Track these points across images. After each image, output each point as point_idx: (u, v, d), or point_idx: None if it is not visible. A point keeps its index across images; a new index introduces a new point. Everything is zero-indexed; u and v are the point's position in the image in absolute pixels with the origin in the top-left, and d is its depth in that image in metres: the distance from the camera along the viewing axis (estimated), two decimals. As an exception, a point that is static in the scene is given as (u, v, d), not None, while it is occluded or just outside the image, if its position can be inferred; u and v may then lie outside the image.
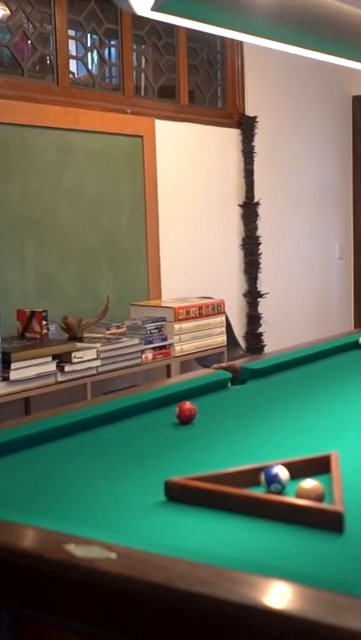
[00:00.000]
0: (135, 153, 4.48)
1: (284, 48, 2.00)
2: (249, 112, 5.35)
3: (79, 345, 3.68)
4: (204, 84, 5.18)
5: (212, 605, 1.03)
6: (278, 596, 1.03)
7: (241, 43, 5.20)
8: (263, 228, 5.46)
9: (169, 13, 1.58)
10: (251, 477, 1.55)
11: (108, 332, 3.96)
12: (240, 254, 5.38)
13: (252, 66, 5.36)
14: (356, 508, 1.43)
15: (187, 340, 4.26)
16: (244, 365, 2.64)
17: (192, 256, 4.96)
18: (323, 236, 6.28)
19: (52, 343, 3.62)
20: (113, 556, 1.15)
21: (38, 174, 3.96)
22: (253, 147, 5.34)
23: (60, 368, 3.54)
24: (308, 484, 1.45)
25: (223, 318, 4.53)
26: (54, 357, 3.52)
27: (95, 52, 4.49)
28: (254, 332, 5.43)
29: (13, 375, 3.34)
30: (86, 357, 3.65)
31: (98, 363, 3.71)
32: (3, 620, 1.21)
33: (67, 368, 3.56)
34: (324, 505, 1.41)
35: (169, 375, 4.25)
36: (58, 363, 3.53)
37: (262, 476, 1.52)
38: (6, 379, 3.33)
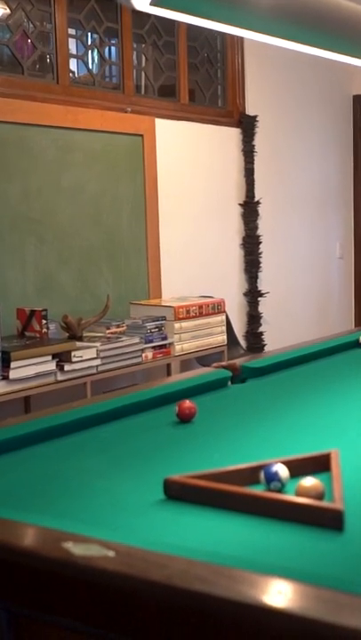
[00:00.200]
0: (135, 152, 4.47)
1: (283, 44, 1.99)
2: (249, 111, 5.34)
3: (79, 344, 3.68)
4: (205, 83, 5.18)
5: (212, 603, 1.02)
6: (278, 594, 1.02)
7: (242, 41, 5.19)
8: (264, 228, 5.46)
9: (167, 8, 1.57)
10: (251, 475, 1.54)
11: (107, 332, 3.96)
12: (240, 253, 5.38)
13: (253, 65, 5.35)
14: (357, 507, 1.42)
15: (187, 340, 4.25)
16: (244, 364, 2.64)
17: (192, 255, 4.95)
18: (323, 235, 6.27)
19: (51, 342, 3.62)
20: (111, 554, 1.15)
21: (38, 173, 3.96)
22: (254, 146, 5.34)
23: (60, 367, 3.53)
24: (308, 482, 1.45)
25: (223, 317, 4.53)
26: (54, 356, 3.52)
27: (95, 51, 4.49)
28: (255, 331, 5.43)
29: (13, 374, 3.34)
30: (86, 356, 3.64)
31: (98, 362, 3.71)
32: (1, 619, 1.20)
33: (66, 367, 3.55)
34: (324, 503, 1.41)
35: (169, 374, 4.24)
36: (58, 362, 3.53)
37: (262, 475, 1.51)
38: (6, 378, 3.33)
